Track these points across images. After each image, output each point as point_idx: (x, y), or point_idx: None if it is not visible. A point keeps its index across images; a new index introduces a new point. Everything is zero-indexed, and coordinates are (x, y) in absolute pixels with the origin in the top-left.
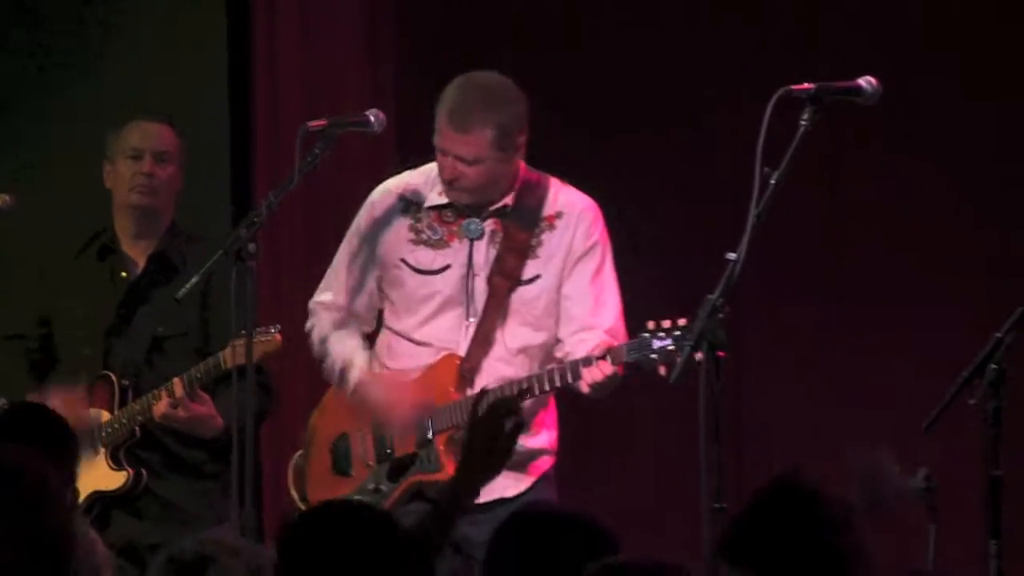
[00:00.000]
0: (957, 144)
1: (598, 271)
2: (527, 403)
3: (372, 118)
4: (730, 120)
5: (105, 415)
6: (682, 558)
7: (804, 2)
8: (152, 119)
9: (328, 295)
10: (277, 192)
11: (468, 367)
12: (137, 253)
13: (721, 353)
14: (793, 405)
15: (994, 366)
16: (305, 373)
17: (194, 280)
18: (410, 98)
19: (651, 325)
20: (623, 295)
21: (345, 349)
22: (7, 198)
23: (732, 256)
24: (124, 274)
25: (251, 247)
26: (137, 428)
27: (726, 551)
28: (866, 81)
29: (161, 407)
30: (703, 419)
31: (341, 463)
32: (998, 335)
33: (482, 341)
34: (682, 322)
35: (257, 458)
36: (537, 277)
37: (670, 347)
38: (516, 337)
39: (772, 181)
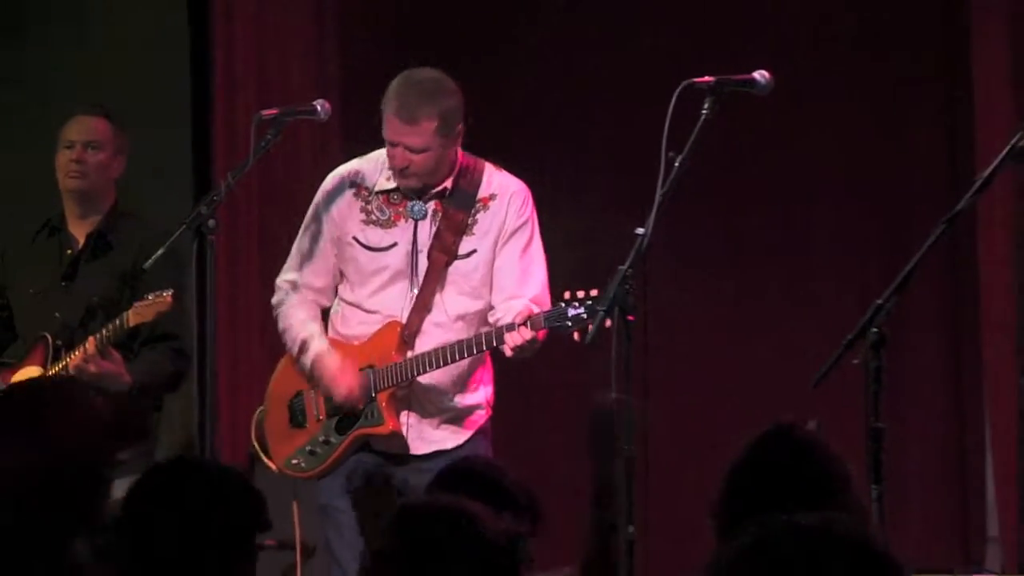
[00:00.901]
0: (846, 136)
1: (527, 246)
2: (465, 362)
3: (319, 107)
4: (640, 115)
5: (38, 371)
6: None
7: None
8: (87, 112)
9: (292, 274)
10: (234, 173)
11: (408, 333)
12: (80, 232)
13: (630, 317)
14: (696, 363)
15: (875, 330)
16: (259, 336)
17: (159, 252)
18: (353, 88)
19: (567, 295)
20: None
21: (304, 328)
22: None
23: (640, 231)
24: (69, 251)
25: (211, 223)
26: None
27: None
28: (760, 74)
29: (74, 361)
30: (614, 374)
31: (297, 418)
32: (878, 302)
33: (421, 309)
34: (593, 293)
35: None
36: (473, 252)
37: (583, 315)
38: (455, 305)
39: (676, 164)
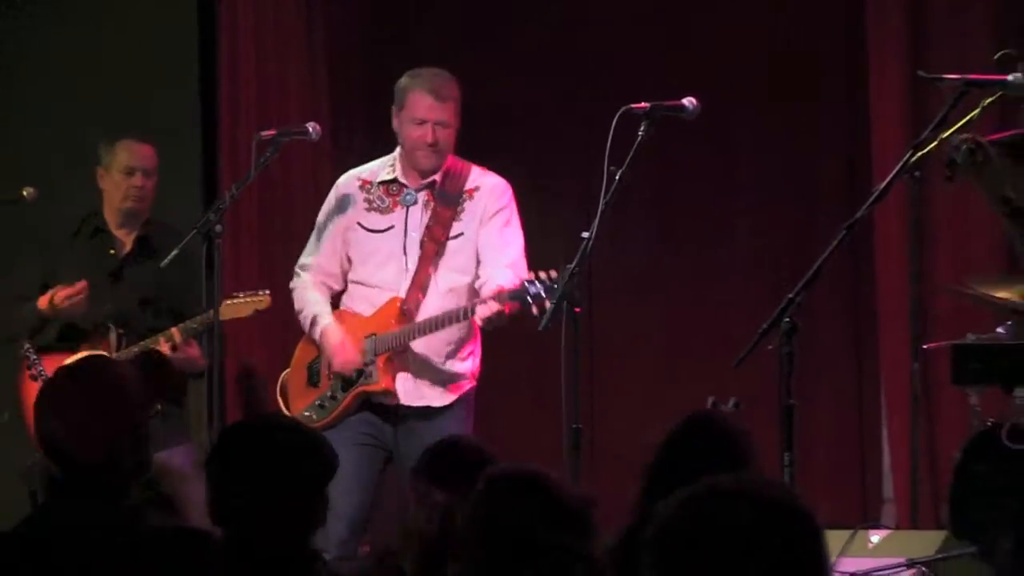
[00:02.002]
0: (762, 155)
1: (506, 224)
2: (455, 335)
3: (311, 129)
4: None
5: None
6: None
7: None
8: (139, 139)
9: (308, 258)
10: (238, 185)
11: (407, 307)
12: (121, 235)
13: (577, 308)
14: (635, 348)
15: (787, 320)
16: (258, 326)
17: (174, 252)
18: (340, 113)
19: (530, 275)
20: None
21: (315, 307)
22: (32, 190)
23: (585, 234)
24: (112, 251)
25: (218, 228)
26: None
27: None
28: (688, 101)
29: (163, 349)
30: (564, 357)
31: (313, 378)
32: (790, 296)
33: (418, 286)
34: (553, 274)
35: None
36: (461, 234)
37: (541, 293)
38: (447, 280)
39: (616, 177)
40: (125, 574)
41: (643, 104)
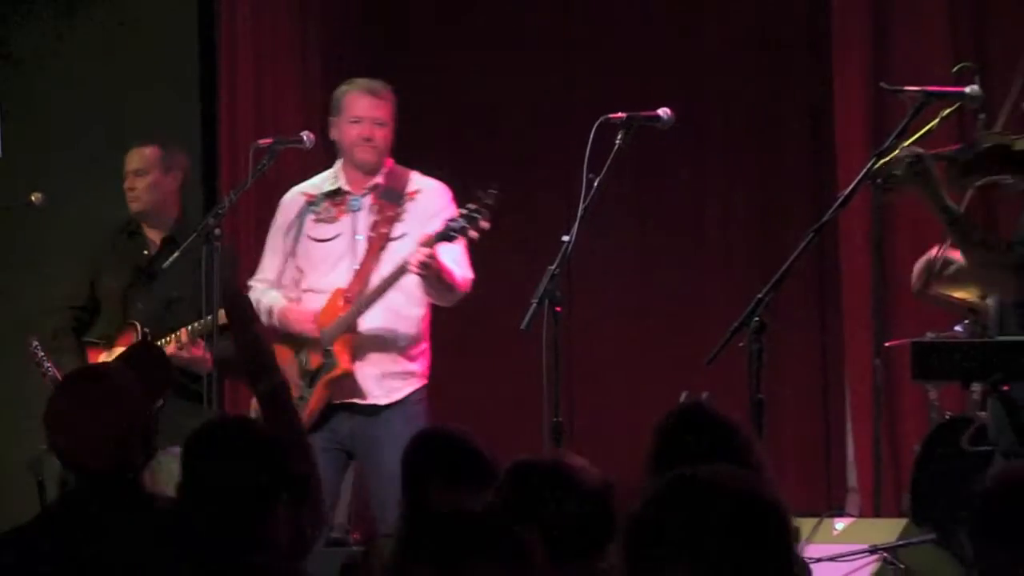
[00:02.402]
0: (734, 164)
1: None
2: (404, 333)
3: (305, 137)
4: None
5: None
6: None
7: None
8: (137, 145)
9: (261, 274)
10: (236, 190)
11: (349, 295)
12: (153, 236)
13: (558, 308)
14: (613, 346)
15: (756, 319)
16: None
17: (175, 254)
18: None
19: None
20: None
21: (269, 299)
22: (40, 195)
23: (566, 238)
24: (146, 252)
25: (217, 231)
26: None
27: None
28: (663, 111)
29: (170, 349)
30: (545, 354)
31: (303, 371)
32: (759, 296)
33: (361, 279)
34: (471, 205)
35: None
36: (404, 235)
37: (463, 224)
38: None
39: (595, 183)
40: (141, 564)
41: (620, 114)
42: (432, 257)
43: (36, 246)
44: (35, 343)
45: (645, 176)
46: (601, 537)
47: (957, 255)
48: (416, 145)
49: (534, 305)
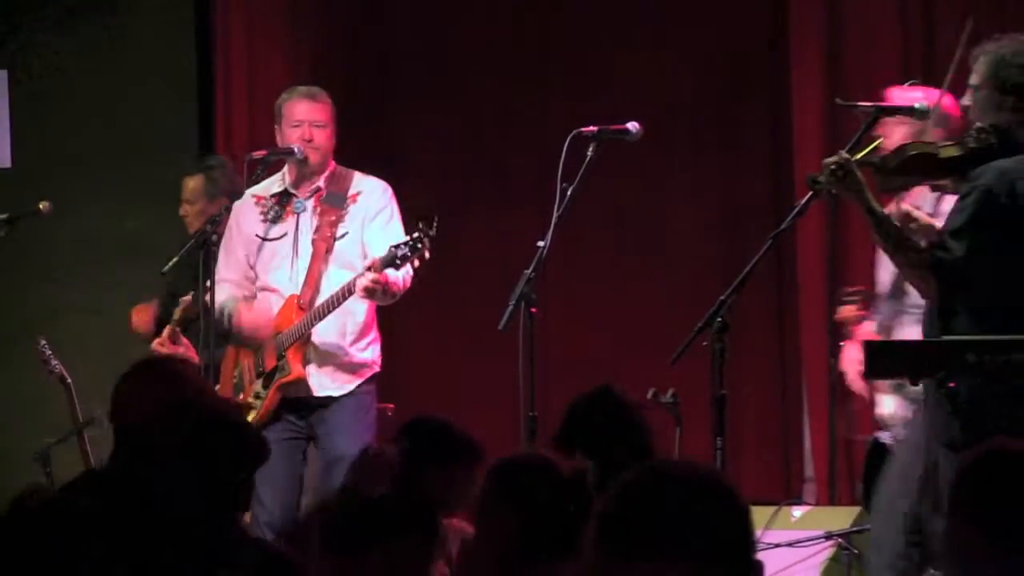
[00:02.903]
0: (697, 174)
1: (388, 221)
2: (352, 327)
3: (296, 149)
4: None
5: None
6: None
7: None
8: (189, 173)
9: (220, 274)
10: (232, 199)
11: (302, 302)
12: None
13: (533, 309)
14: (585, 345)
15: (719, 319)
16: None
17: (175, 260)
18: None
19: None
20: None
21: (222, 298)
22: (48, 204)
23: (541, 244)
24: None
25: (214, 237)
26: None
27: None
28: (632, 125)
29: (157, 347)
30: (522, 353)
31: (241, 384)
32: (722, 298)
33: (311, 284)
34: (420, 225)
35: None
36: (346, 234)
37: (407, 252)
38: (338, 276)
39: (568, 192)
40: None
41: (591, 128)
42: (378, 282)
43: (44, 252)
44: (43, 342)
45: (615, 185)
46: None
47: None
48: (399, 154)
49: (511, 307)
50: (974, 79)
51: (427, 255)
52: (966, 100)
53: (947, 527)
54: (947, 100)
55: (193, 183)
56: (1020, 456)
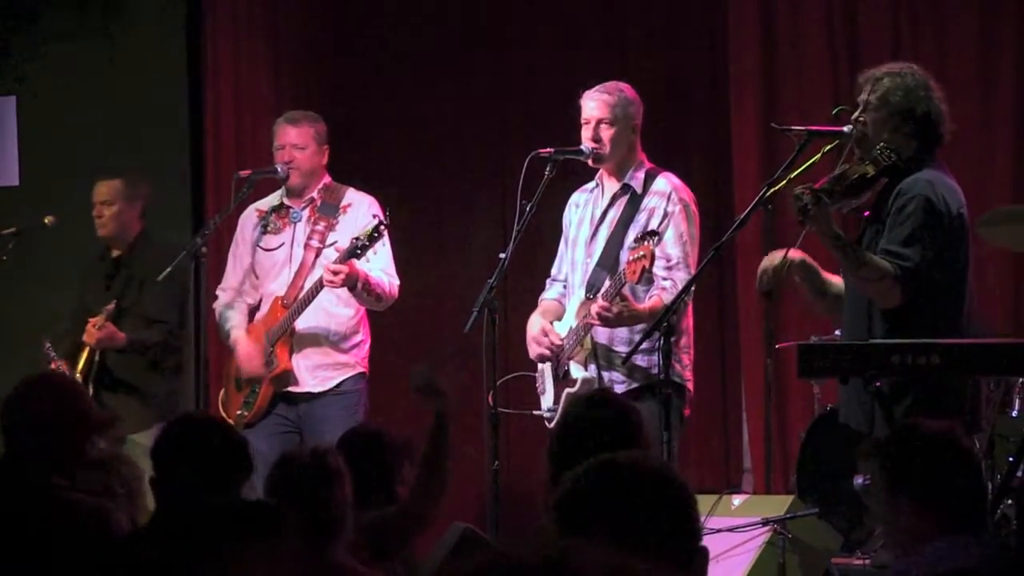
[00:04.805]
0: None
1: None
2: (339, 324)
3: (279, 169)
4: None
5: None
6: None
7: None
8: (103, 177)
9: (225, 283)
10: (220, 215)
11: (286, 301)
12: (116, 255)
13: (495, 315)
14: None
15: (666, 324)
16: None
17: (168, 270)
18: None
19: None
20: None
21: (228, 323)
22: (53, 218)
23: (503, 255)
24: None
25: (203, 250)
26: None
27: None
28: (585, 145)
29: (89, 335)
30: (484, 354)
31: (239, 383)
32: (667, 305)
33: (297, 285)
34: (370, 229)
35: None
36: (336, 242)
37: (363, 241)
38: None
39: (528, 209)
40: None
41: (548, 149)
42: (337, 272)
43: (48, 262)
44: (48, 344)
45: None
46: None
47: (800, 254)
48: (375, 169)
49: (475, 313)
50: (872, 98)
51: (381, 243)
52: (859, 116)
53: (885, 504)
54: None
55: (114, 184)
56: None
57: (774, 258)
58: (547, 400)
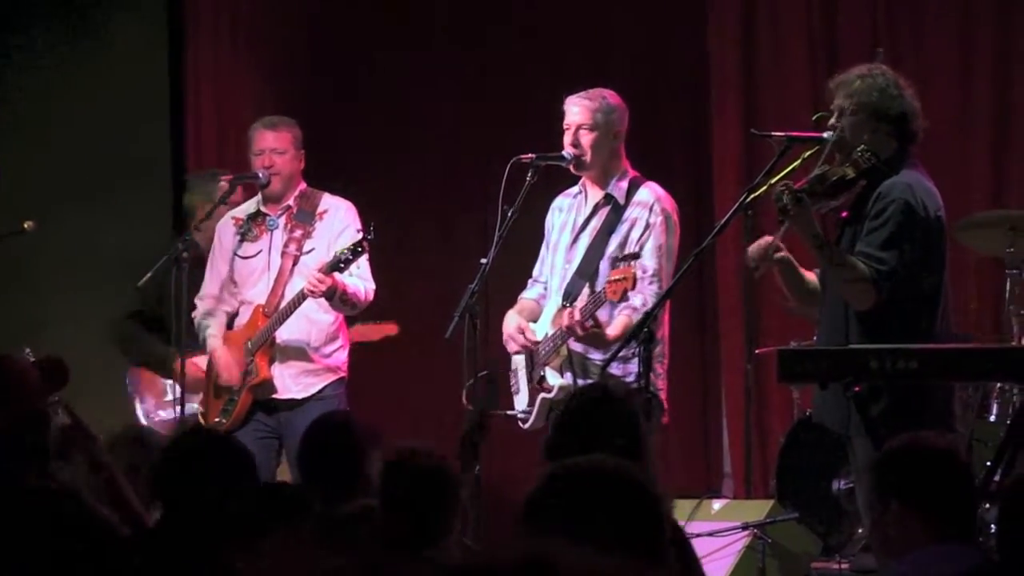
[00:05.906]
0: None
1: (352, 237)
2: (318, 333)
3: (261, 174)
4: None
5: None
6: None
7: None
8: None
9: (203, 290)
10: (201, 220)
11: (267, 310)
12: None
13: (476, 320)
14: None
15: (646, 329)
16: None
17: (148, 275)
18: None
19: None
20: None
21: (206, 332)
22: (32, 223)
23: (484, 260)
24: None
25: (184, 255)
26: None
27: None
28: (566, 151)
29: None
30: (465, 358)
31: (218, 390)
32: (648, 310)
33: (276, 293)
34: (354, 242)
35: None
36: (312, 249)
37: (347, 254)
38: (302, 286)
39: (509, 214)
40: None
41: (530, 155)
42: (321, 282)
43: (28, 267)
44: (27, 351)
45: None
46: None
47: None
48: (352, 175)
49: (456, 318)
50: (847, 103)
51: (364, 257)
52: (837, 121)
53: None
54: None
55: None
56: (936, 447)
57: (762, 241)
58: (521, 401)
